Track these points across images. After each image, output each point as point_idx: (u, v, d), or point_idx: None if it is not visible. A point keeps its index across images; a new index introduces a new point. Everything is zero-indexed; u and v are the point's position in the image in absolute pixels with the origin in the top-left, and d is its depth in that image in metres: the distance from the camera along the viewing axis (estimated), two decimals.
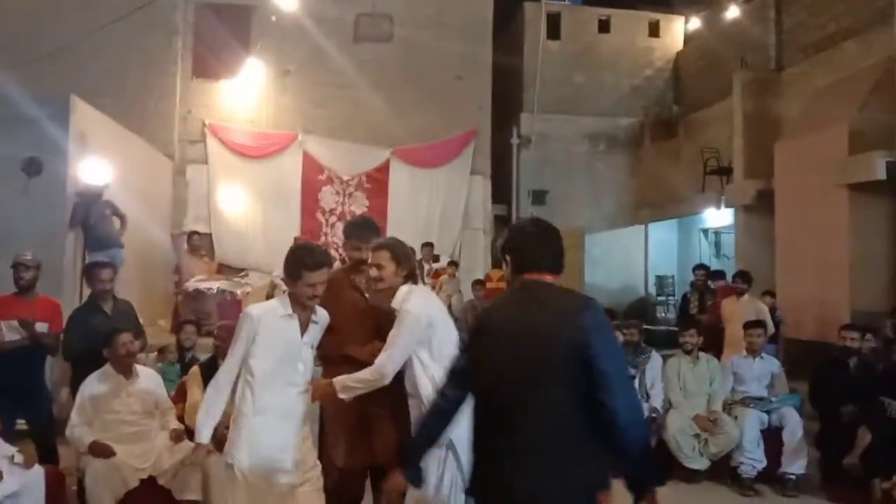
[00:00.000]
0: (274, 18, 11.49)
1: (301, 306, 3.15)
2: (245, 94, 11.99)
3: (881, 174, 7.89)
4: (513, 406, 2.24)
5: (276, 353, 3.11)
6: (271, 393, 3.12)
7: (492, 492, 2.28)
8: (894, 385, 5.37)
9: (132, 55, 10.92)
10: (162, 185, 11.22)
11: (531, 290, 2.36)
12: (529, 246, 2.41)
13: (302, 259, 3.10)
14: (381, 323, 3.55)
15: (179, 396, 4.95)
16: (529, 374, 2.22)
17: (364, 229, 3.87)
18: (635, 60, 15.13)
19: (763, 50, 11.45)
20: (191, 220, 11.51)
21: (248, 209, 11.83)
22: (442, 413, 2.49)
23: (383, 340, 3.41)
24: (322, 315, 3.27)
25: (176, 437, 4.44)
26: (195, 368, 4.97)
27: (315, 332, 3.25)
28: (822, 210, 8.75)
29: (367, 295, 3.75)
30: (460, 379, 2.44)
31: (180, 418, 4.72)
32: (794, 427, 5.66)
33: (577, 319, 2.22)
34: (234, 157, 11.88)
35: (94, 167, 7.37)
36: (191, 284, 8.86)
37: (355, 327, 3.66)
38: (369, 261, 3.55)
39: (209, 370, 4.74)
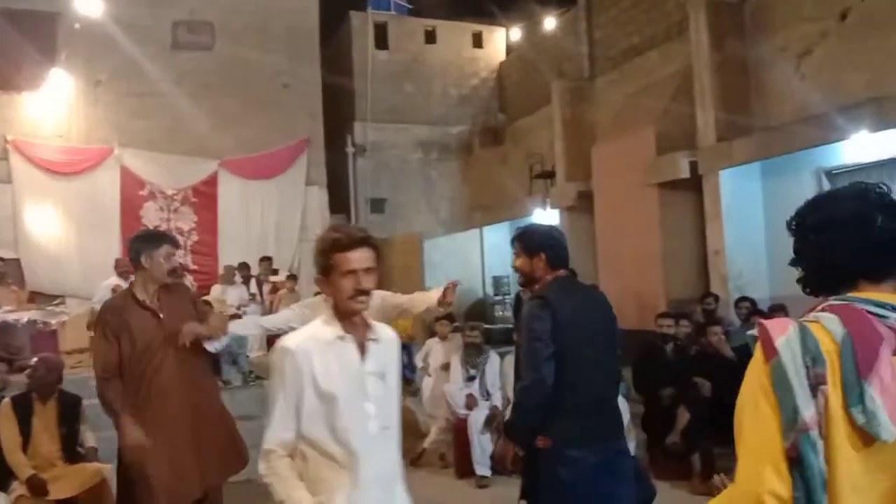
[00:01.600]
0: (78, 26, 10.72)
1: (349, 317, 2.24)
2: (52, 106, 11.07)
3: (685, 173, 8.61)
4: (592, 369, 2.92)
5: (337, 404, 2.15)
6: (343, 463, 2.15)
7: (577, 433, 2.85)
8: (706, 366, 5.87)
9: None
10: None
11: (571, 282, 3.18)
12: (561, 247, 3.05)
13: (332, 240, 2.22)
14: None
15: None
16: (602, 345, 2.99)
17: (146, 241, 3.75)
18: (462, 70, 15.58)
19: (577, 59, 12.15)
20: None
21: (61, 230, 10.92)
22: (546, 390, 2.84)
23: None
24: (385, 334, 2.35)
25: None
26: (6, 402, 4.55)
27: (381, 355, 2.28)
28: (635, 208, 9.40)
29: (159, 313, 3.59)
30: (553, 361, 2.86)
31: None
32: (622, 411, 6.03)
33: (607, 301, 3.13)
34: (43, 175, 10.93)
35: None
36: (95, 303, 8.02)
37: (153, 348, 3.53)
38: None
39: (22, 405, 4.41)
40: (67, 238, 10.92)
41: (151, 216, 11.44)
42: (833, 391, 1.25)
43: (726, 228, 8.27)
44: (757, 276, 8.20)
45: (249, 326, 4.75)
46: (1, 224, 10.66)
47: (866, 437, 1.23)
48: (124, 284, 9.50)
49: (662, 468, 5.54)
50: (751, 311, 6.87)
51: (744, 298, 7.31)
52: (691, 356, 6.19)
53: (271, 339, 6.18)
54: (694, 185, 8.71)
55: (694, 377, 5.80)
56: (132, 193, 11.33)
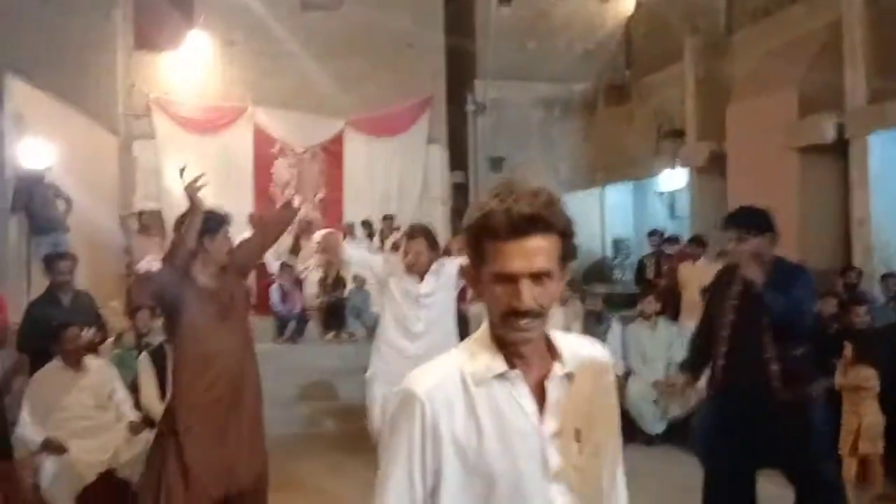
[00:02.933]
0: None
1: (511, 345, 1.36)
2: (190, 66, 11.65)
3: (830, 136, 8.01)
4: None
5: (496, 487, 1.34)
6: None
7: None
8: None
9: (70, 30, 10.43)
10: (108, 162, 10.85)
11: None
12: None
13: (481, 216, 1.34)
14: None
15: None
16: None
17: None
18: (587, 25, 15.02)
19: (713, 14, 11.47)
20: (140, 198, 11.21)
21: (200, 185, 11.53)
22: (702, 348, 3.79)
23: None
24: (585, 355, 1.45)
25: (133, 429, 4.35)
26: (144, 356, 4.81)
27: (576, 402, 1.39)
28: (772, 171, 8.87)
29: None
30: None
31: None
32: None
33: None
34: (182, 132, 11.56)
35: (34, 148, 7.11)
36: (142, 266, 8.63)
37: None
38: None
39: (157, 357, 4.63)
40: (205, 192, 11.51)
41: (282, 172, 11.91)
42: None
43: (873, 197, 7.67)
44: None
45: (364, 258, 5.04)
46: (146, 178, 11.41)
47: None
48: None
49: None
50: None
51: (891, 274, 6.80)
52: (830, 335, 5.83)
53: None
54: (839, 150, 8.11)
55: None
56: (264, 150, 11.81)
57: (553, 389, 1.36)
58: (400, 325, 4.39)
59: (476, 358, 1.37)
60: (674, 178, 11.77)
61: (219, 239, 3.47)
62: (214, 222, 3.50)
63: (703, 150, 10.60)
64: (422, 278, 4.34)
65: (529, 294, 1.30)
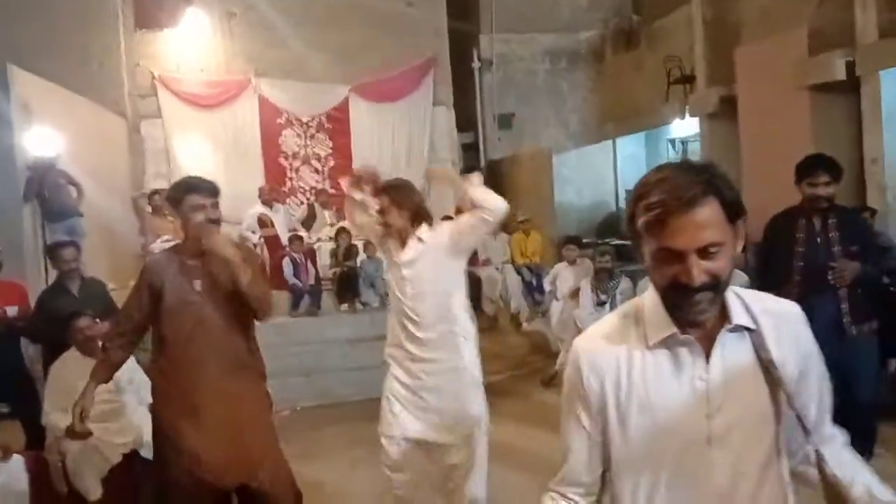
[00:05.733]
0: None
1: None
2: (192, 42, 11.60)
3: (840, 74, 7.83)
4: None
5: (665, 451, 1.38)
6: None
7: None
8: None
9: (69, 14, 10.42)
10: (117, 144, 10.92)
11: None
12: None
13: (637, 195, 1.36)
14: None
15: None
16: None
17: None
18: None
19: None
20: (151, 178, 11.29)
21: (208, 161, 11.59)
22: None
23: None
24: (775, 311, 1.43)
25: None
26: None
27: (743, 368, 1.38)
28: (784, 113, 8.71)
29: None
30: None
31: None
32: None
33: None
34: (188, 109, 11.57)
35: (43, 137, 7.17)
36: (156, 247, 8.75)
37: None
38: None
39: None
40: (215, 168, 11.51)
41: (290, 143, 11.91)
42: None
43: (886, 135, 7.52)
44: None
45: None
46: (156, 157, 11.47)
47: None
48: (269, 212, 10.10)
49: None
50: None
51: None
52: None
53: None
54: (851, 88, 7.93)
55: None
56: (270, 122, 11.79)
57: (718, 353, 1.35)
58: (399, 323, 3.53)
59: (643, 318, 1.39)
60: (686, 126, 11.61)
61: (184, 209, 3.10)
62: (178, 190, 3.17)
63: (713, 96, 10.41)
64: (403, 245, 3.51)
65: (701, 265, 1.27)
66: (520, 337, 8.93)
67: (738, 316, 1.35)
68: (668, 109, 11.84)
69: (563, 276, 6.97)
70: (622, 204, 13.46)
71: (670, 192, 1.26)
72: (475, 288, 8.64)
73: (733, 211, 1.30)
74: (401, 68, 12.02)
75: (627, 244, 10.83)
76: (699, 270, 1.26)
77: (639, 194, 1.32)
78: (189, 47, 11.58)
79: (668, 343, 1.35)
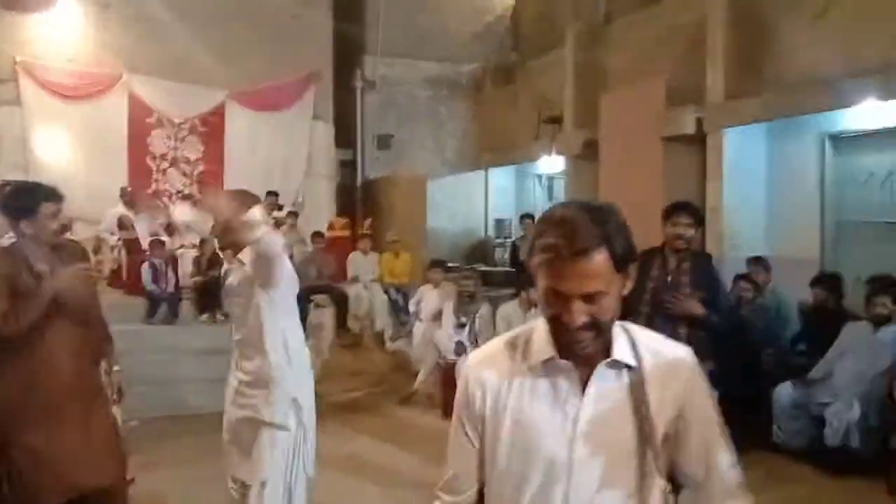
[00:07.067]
0: None
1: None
2: (62, 29, 10.98)
3: (690, 129, 8.58)
4: None
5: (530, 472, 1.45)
6: None
7: None
8: None
9: None
10: None
11: None
12: None
13: (535, 234, 1.44)
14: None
15: None
16: None
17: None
18: (477, 5, 15.23)
19: (595, 1, 11.86)
20: (5, 168, 10.51)
21: (70, 154, 10.98)
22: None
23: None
24: (666, 359, 1.49)
25: None
26: None
27: (616, 397, 1.45)
28: (640, 160, 9.37)
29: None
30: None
31: None
32: None
33: None
34: (52, 98, 10.93)
35: None
36: (3, 241, 8.18)
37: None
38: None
39: None
40: (76, 162, 10.98)
41: (158, 144, 11.49)
42: None
43: (726, 187, 8.29)
44: (754, 235, 8.27)
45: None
46: (12, 147, 10.72)
47: None
48: (131, 214, 9.70)
49: None
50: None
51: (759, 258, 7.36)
52: None
53: None
54: (699, 141, 8.69)
55: None
56: (140, 120, 11.34)
57: (594, 383, 1.41)
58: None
59: (530, 342, 1.48)
60: (553, 163, 12.22)
61: (40, 219, 3.07)
62: (29, 199, 3.08)
63: (578, 138, 11.04)
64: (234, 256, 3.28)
65: (582, 309, 1.34)
66: (383, 354, 9.03)
67: (619, 352, 1.42)
68: (537, 146, 12.42)
69: (427, 298, 7.17)
70: (490, 231, 13.96)
71: (565, 237, 1.32)
72: (344, 304, 8.67)
73: (623, 261, 1.37)
74: (283, 79, 11.94)
75: (493, 270, 11.27)
76: (580, 313, 1.34)
77: (538, 231, 1.39)
78: (58, 34, 10.94)
79: (548, 368, 1.43)
